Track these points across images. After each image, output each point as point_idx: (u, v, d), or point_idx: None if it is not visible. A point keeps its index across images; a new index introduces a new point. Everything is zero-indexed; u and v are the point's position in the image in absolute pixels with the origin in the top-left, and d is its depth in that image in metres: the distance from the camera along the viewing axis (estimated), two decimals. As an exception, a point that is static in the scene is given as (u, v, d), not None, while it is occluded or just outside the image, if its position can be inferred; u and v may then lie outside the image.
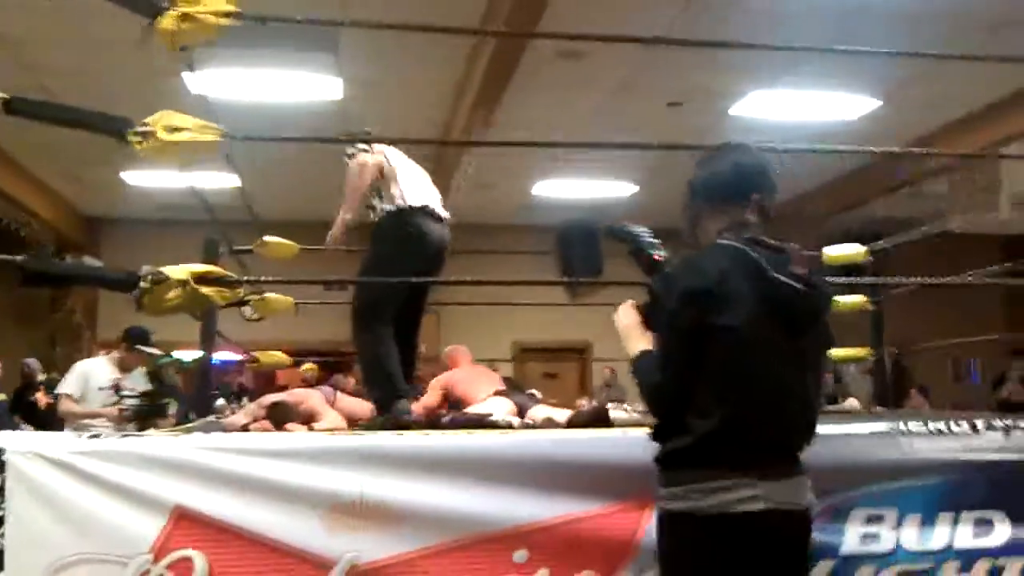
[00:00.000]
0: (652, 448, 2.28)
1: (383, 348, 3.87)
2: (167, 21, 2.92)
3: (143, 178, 10.39)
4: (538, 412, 4.10)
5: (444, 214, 4.11)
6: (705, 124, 8.99)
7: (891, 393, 6.90)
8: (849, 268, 6.06)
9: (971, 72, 7.75)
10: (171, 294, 2.96)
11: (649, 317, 2.48)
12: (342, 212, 4.02)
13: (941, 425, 2.77)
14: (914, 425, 2.82)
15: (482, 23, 6.69)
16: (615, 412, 4.13)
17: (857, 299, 5.79)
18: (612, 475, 2.64)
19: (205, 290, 3.00)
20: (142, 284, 3.00)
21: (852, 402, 7.92)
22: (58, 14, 6.41)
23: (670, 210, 10.69)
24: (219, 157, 4.06)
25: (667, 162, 9.89)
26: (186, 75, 6.00)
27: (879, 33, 6.58)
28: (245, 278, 3.34)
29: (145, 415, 5.76)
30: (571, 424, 3.37)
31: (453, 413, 4.26)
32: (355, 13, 5.77)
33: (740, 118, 8.89)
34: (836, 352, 6.37)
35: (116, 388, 6.10)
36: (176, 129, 2.97)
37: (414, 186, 4.02)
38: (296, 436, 2.66)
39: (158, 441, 2.58)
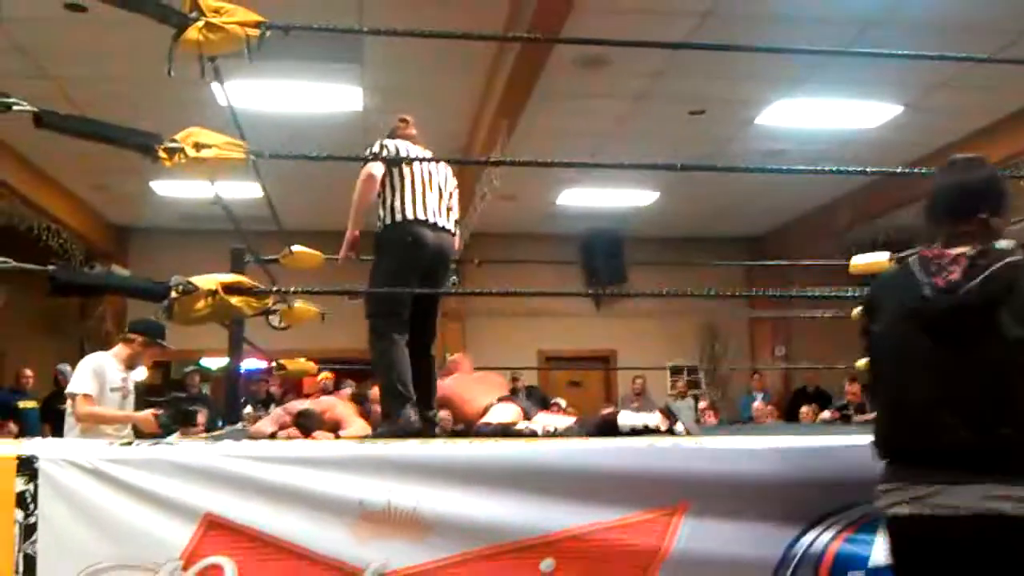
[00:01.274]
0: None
1: (392, 356, 3.90)
2: (193, 32, 2.96)
3: (170, 188, 10.49)
4: (539, 420, 4.11)
5: (445, 224, 4.13)
6: (728, 132, 8.99)
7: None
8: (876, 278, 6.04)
9: (993, 81, 7.72)
10: (200, 304, 3.01)
11: None
12: (349, 228, 4.07)
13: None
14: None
15: (504, 32, 6.72)
16: (627, 417, 4.10)
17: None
18: (639, 483, 2.65)
19: (234, 300, 3.04)
20: (172, 294, 3.04)
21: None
22: (83, 25, 6.49)
23: (692, 217, 10.82)
24: (248, 172, 4.12)
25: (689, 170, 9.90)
26: (214, 86, 6.08)
27: (902, 42, 6.55)
28: (274, 288, 3.37)
29: (180, 422, 5.65)
30: (570, 433, 3.38)
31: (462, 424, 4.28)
32: (378, 24, 5.82)
33: (763, 126, 8.88)
34: (862, 362, 6.37)
35: (147, 392, 5.78)
36: (204, 146, 3.01)
37: (414, 197, 4.03)
38: (324, 444, 2.68)
39: (189, 449, 2.60)
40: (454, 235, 4.24)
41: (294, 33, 3.22)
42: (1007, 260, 2.17)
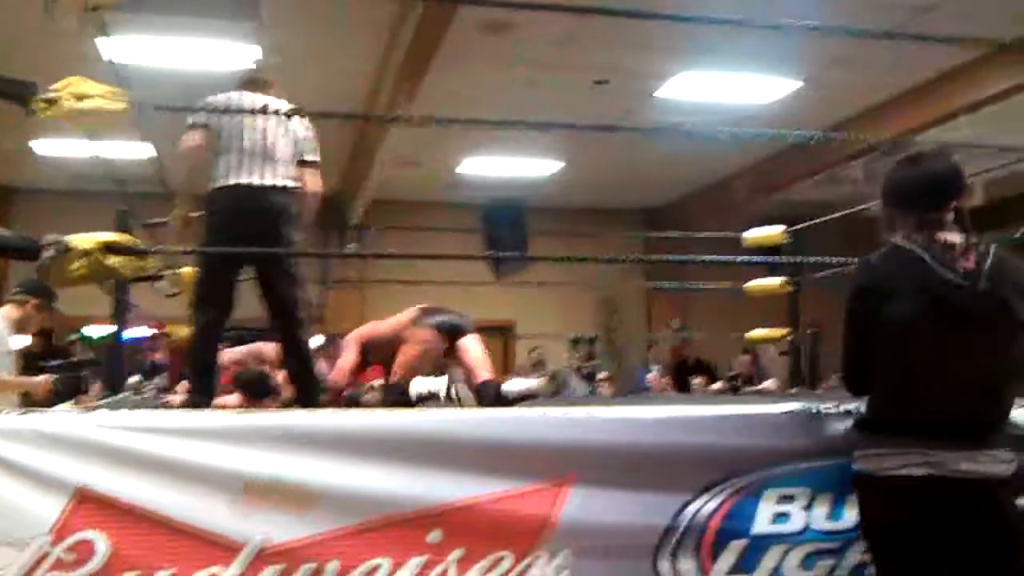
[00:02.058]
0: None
1: (203, 335, 3.82)
2: (73, -21, 2.80)
3: (55, 147, 10.03)
4: (417, 385, 4.10)
5: (271, 181, 3.86)
6: (630, 104, 9.02)
7: (808, 374, 7.04)
8: (768, 250, 6.16)
9: (892, 57, 7.89)
10: (76, 264, 2.87)
11: None
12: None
13: (852, 406, 2.81)
14: (827, 405, 2.86)
15: (408, -5, 6.61)
16: (512, 384, 4.15)
17: (774, 281, 5.89)
18: (528, 454, 2.63)
19: (112, 260, 2.91)
20: (45, 253, 2.90)
21: (770, 383, 8.10)
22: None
23: (593, 188, 10.85)
24: (132, 126, 3.94)
25: (593, 141, 9.93)
26: (100, 41, 5.81)
27: (803, 15, 6.64)
28: (154, 247, 3.23)
29: (73, 390, 5.39)
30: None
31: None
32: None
33: (665, 99, 8.94)
34: (752, 334, 6.51)
35: (29, 359, 5.37)
36: (84, 96, 2.85)
37: (239, 161, 3.83)
38: (206, 414, 2.58)
39: (60, 418, 2.48)
40: (285, 188, 3.93)
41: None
42: (994, 249, 2.49)
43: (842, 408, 2.82)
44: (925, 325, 2.44)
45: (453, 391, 4.83)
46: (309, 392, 3.90)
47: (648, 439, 2.70)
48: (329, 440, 2.54)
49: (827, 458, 2.76)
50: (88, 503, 2.37)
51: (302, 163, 4.02)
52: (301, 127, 4.07)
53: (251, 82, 4.14)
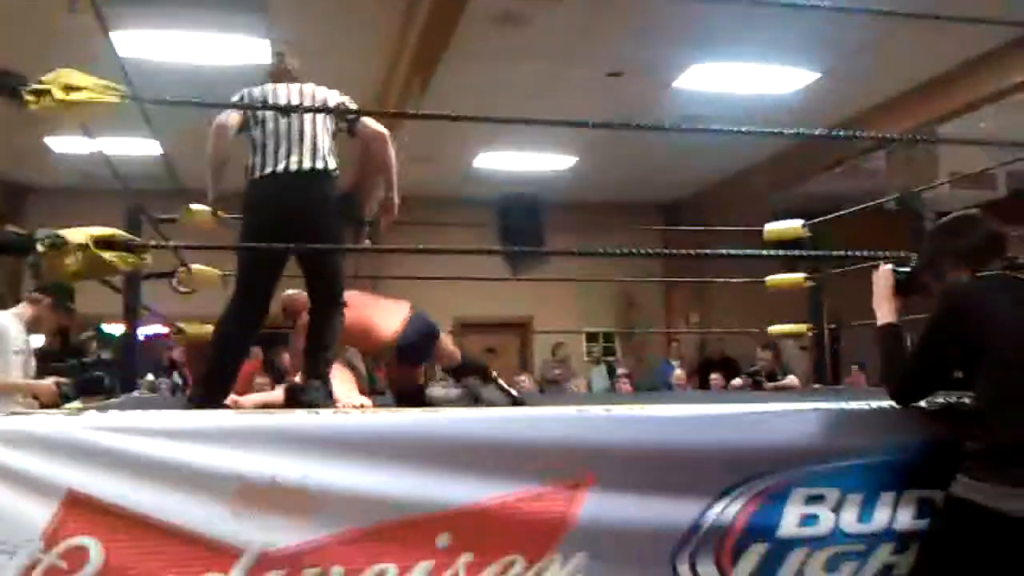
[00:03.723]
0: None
1: (225, 334, 3.71)
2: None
3: (67, 144, 9.98)
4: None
5: (311, 165, 3.73)
6: (646, 96, 8.89)
7: (829, 369, 6.92)
8: (788, 244, 6.03)
9: (910, 48, 7.76)
10: (70, 259, 2.76)
11: (903, 285, 2.81)
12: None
13: (884, 404, 2.68)
14: (857, 404, 2.73)
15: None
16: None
17: (796, 276, 5.76)
18: (542, 454, 2.50)
19: (107, 255, 2.80)
20: (39, 248, 2.79)
21: (791, 379, 7.94)
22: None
23: (610, 183, 10.75)
24: (138, 121, 3.84)
25: (608, 135, 9.79)
26: (112, 36, 5.72)
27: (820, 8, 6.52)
28: (152, 243, 3.12)
29: (84, 391, 5.29)
30: None
31: None
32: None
33: (682, 90, 8.80)
34: (774, 328, 6.37)
35: (44, 358, 5.21)
36: (75, 88, 2.74)
37: (275, 150, 3.71)
38: (201, 414, 2.48)
39: (48, 419, 2.37)
40: (327, 173, 3.82)
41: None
42: None
43: (872, 406, 2.69)
44: None
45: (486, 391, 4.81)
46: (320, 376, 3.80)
47: (669, 438, 2.57)
48: (330, 441, 2.42)
49: (857, 458, 2.63)
50: (79, 507, 2.26)
51: (350, 126, 3.92)
52: (333, 99, 3.96)
53: (280, 73, 4.04)
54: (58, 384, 4.70)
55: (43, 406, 4.62)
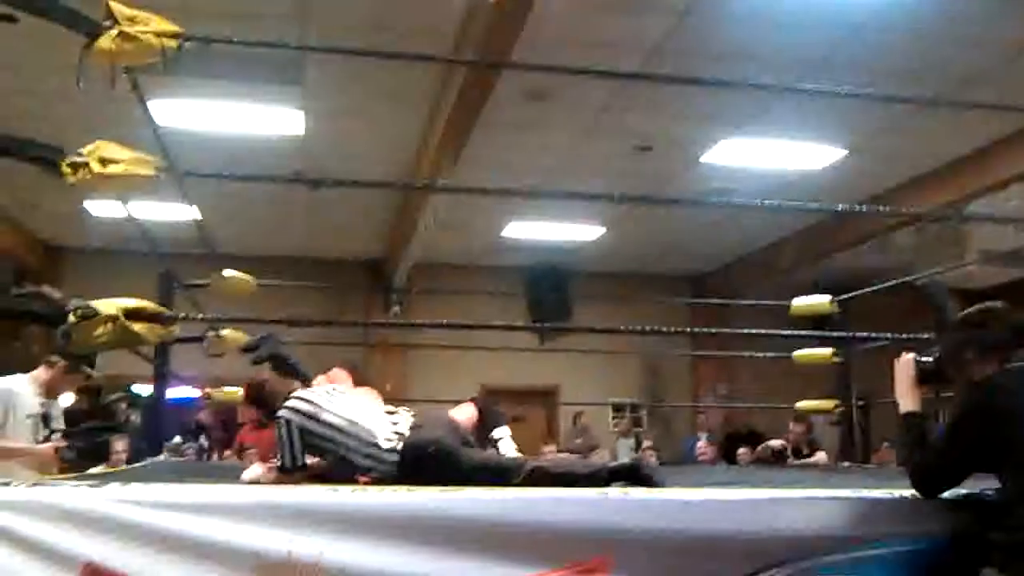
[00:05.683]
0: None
1: None
2: (106, 41, 2.78)
3: (104, 208, 10.17)
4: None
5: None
6: (674, 170, 8.95)
7: (860, 446, 6.82)
8: (816, 320, 5.99)
9: (937, 127, 7.79)
10: (100, 330, 2.81)
11: (926, 375, 2.86)
12: None
13: (907, 492, 2.64)
14: (880, 494, 2.69)
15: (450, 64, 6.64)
16: None
17: (824, 352, 5.71)
18: (558, 537, 2.47)
19: (137, 327, 2.85)
20: (71, 319, 2.84)
21: (820, 455, 7.81)
22: (10, 37, 6.25)
23: (636, 254, 10.73)
24: (173, 189, 3.92)
25: (636, 206, 9.87)
26: (150, 104, 5.86)
27: (848, 85, 6.60)
28: (181, 315, 3.17)
29: (89, 456, 5.27)
30: None
31: None
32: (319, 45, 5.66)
33: (709, 165, 8.86)
34: (801, 404, 6.30)
35: (45, 418, 5.03)
36: (110, 161, 2.82)
37: None
38: (219, 489, 2.49)
39: (70, 491, 2.39)
40: None
41: (234, 52, 3.06)
42: None
43: (895, 495, 2.65)
44: None
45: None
46: None
47: (686, 525, 2.54)
48: (347, 519, 2.41)
49: (877, 547, 2.58)
50: (96, 581, 2.27)
51: None
52: None
53: None
54: (57, 449, 4.73)
55: (42, 470, 4.62)
